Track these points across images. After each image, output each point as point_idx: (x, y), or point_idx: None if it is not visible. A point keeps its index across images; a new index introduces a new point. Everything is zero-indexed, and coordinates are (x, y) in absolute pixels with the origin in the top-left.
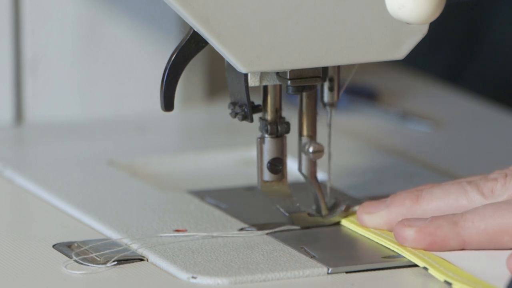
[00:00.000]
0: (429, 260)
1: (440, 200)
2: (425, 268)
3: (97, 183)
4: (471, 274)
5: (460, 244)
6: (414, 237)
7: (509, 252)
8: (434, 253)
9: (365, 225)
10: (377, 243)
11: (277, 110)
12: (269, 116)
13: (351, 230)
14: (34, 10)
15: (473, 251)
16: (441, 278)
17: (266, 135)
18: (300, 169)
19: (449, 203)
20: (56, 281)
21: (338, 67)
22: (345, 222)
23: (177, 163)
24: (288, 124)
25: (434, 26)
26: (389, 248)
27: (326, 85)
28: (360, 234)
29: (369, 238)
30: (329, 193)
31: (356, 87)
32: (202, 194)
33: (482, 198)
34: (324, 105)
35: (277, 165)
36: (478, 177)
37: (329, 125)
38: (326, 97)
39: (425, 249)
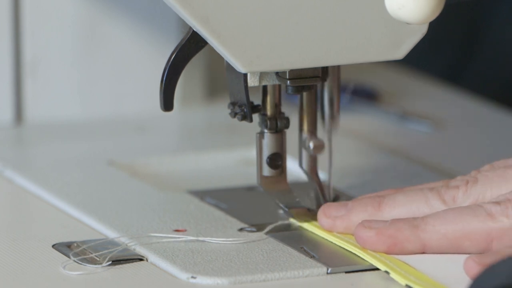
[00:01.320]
0: (390, 264)
1: (402, 207)
2: (387, 272)
3: (97, 183)
4: (432, 278)
5: (420, 247)
6: (374, 239)
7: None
8: (396, 256)
9: (325, 228)
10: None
11: (277, 106)
12: (268, 112)
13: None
14: (34, 10)
15: (434, 255)
16: (403, 282)
17: (266, 130)
18: (300, 165)
19: (411, 210)
20: (55, 281)
21: (338, 68)
22: (307, 226)
23: (177, 163)
24: (287, 119)
25: (434, 26)
26: (351, 252)
27: (326, 99)
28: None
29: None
30: (331, 193)
31: (356, 87)
32: (202, 194)
33: (443, 206)
34: (323, 117)
35: (276, 160)
36: (440, 183)
37: (329, 139)
38: (326, 111)
39: (385, 252)
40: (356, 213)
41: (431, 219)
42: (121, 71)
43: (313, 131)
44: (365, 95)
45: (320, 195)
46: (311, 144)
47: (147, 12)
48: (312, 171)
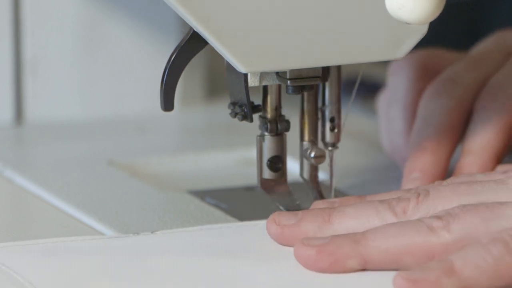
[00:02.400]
0: None
1: (351, 220)
2: None
3: (97, 183)
4: None
5: (361, 263)
6: (315, 258)
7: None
8: None
9: (272, 235)
10: None
11: (277, 108)
12: (268, 114)
13: None
14: (34, 10)
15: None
16: None
17: (266, 133)
18: (301, 174)
19: (361, 222)
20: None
21: (339, 68)
22: None
23: (177, 163)
24: (288, 122)
25: (434, 26)
26: None
27: (327, 125)
28: None
29: None
30: (333, 195)
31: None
32: (202, 194)
33: (393, 218)
34: (325, 145)
35: (277, 163)
36: (394, 195)
37: (330, 165)
38: (328, 137)
39: (327, 270)
40: (305, 224)
41: (371, 234)
42: (121, 71)
43: (314, 141)
44: (371, 89)
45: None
46: (312, 154)
47: (147, 12)
48: (313, 181)
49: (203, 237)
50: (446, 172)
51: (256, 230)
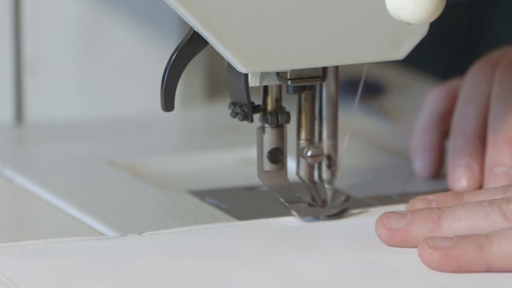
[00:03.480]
0: None
1: (462, 222)
2: None
3: (97, 183)
4: None
5: (485, 268)
6: (439, 262)
7: None
8: None
9: (382, 239)
10: None
11: (277, 100)
12: (269, 106)
13: None
14: (34, 10)
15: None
16: None
17: (266, 125)
18: (298, 173)
19: (471, 225)
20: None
21: (337, 68)
22: None
23: (177, 163)
24: (288, 114)
25: (434, 26)
26: None
27: (324, 163)
28: None
29: None
30: (329, 191)
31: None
32: (202, 194)
33: (504, 221)
34: (322, 181)
35: (277, 155)
36: (499, 193)
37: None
38: (325, 174)
39: (450, 272)
40: (415, 227)
41: (496, 240)
42: (121, 71)
43: (311, 139)
44: (371, 89)
45: (317, 200)
46: (309, 153)
47: (147, 12)
48: (310, 179)
49: (190, 238)
50: None
51: (243, 231)
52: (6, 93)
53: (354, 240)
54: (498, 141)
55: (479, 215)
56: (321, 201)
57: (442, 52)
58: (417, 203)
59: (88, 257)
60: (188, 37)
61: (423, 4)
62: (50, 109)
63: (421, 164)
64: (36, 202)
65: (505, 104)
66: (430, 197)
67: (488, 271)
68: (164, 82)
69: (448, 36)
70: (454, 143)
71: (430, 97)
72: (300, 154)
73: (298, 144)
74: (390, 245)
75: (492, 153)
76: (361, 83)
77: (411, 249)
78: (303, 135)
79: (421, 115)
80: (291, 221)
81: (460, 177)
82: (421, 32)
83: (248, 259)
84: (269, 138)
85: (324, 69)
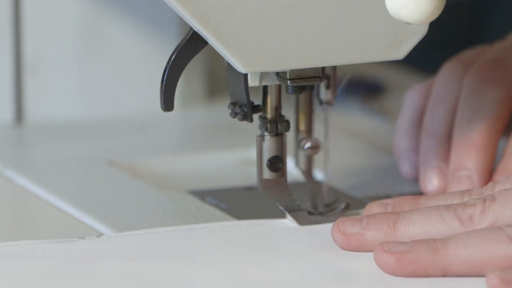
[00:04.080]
0: None
1: (417, 226)
2: None
3: (97, 183)
4: None
5: (441, 272)
6: (395, 266)
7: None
8: None
9: (338, 245)
10: None
11: (277, 108)
12: (268, 115)
13: None
14: (34, 10)
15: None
16: None
17: (266, 133)
18: (297, 164)
19: (427, 229)
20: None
21: (335, 66)
22: None
23: (177, 163)
24: (287, 122)
25: (434, 26)
26: None
27: (322, 83)
28: None
29: None
30: (326, 192)
31: (361, 80)
32: (202, 194)
33: (460, 225)
34: (321, 102)
35: (277, 163)
36: (456, 198)
37: (325, 123)
38: (323, 94)
39: (406, 277)
40: (371, 232)
41: (452, 243)
42: (121, 71)
43: (309, 131)
44: (371, 89)
45: (315, 195)
46: (307, 145)
47: (147, 12)
48: (308, 171)
49: (148, 241)
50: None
51: (202, 234)
52: (6, 93)
53: (314, 245)
54: (463, 146)
55: (435, 219)
56: (317, 194)
57: (442, 52)
58: (374, 207)
59: (43, 261)
60: (188, 37)
61: (423, 4)
62: (50, 109)
63: (408, 166)
64: (36, 202)
65: (472, 109)
66: (387, 201)
67: (444, 276)
68: (164, 82)
69: (448, 36)
70: (425, 144)
71: (409, 96)
72: (298, 145)
73: (296, 136)
74: (346, 250)
75: (456, 157)
76: (344, 81)
77: (369, 253)
78: (301, 127)
79: (402, 115)
80: (273, 223)
81: (431, 179)
82: (421, 32)
83: (205, 263)
84: (268, 146)
85: (323, 69)
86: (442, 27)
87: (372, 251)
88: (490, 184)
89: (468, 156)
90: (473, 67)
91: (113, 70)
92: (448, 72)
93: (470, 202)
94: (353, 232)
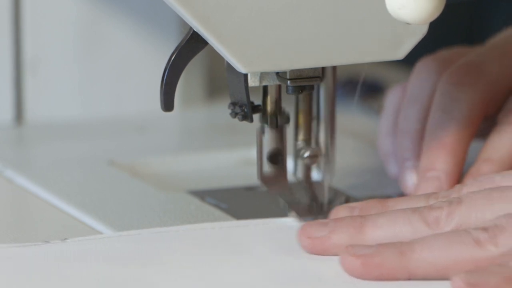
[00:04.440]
0: None
1: (384, 229)
2: None
3: (97, 183)
4: None
5: (407, 275)
6: (361, 270)
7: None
8: None
9: (304, 248)
10: None
11: (277, 101)
12: (268, 107)
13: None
14: (34, 10)
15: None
16: None
17: (266, 126)
18: (295, 173)
19: (394, 232)
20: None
21: (334, 68)
22: None
23: (177, 163)
24: (288, 115)
25: (434, 26)
26: None
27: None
28: None
29: None
30: (327, 192)
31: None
32: (202, 194)
33: (427, 229)
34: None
35: (277, 156)
36: (422, 201)
37: (330, 127)
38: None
39: (373, 280)
40: (337, 235)
41: (418, 246)
42: (121, 71)
43: (308, 140)
44: (372, 89)
45: (314, 203)
46: (306, 154)
47: (147, 12)
48: (307, 180)
49: (114, 244)
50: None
51: (175, 236)
52: (6, 93)
53: (282, 247)
54: (433, 147)
55: (402, 222)
56: (318, 203)
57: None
58: (341, 210)
59: (5, 264)
60: (188, 37)
61: (423, 4)
62: (50, 109)
63: (394, 167)
64: (36, 202)
65: (443, 111)
66: (354, 204)
67: (409, 279)
68: (164, 82)
69: (448, 36)
70: (400, 144)
71: (389, 97)
72: (297, 154)
73: (295, 145)
74: (312, 254)
75: (426, 158)
76: (359, 84)
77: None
78: (300, 136)
79: (383, 117)
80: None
81: (409, 180)
82: (421, 32)
83: (169, 267)
84: (268, 139)
85: (323, 69)
86: (442, 27)
87: (337, 255)
88: (457, 186)
89: (437, 157)
90: (448, 70)
91: (113, 70)
92: (421, 72)
93: (437, 205)
94: (319, 235)
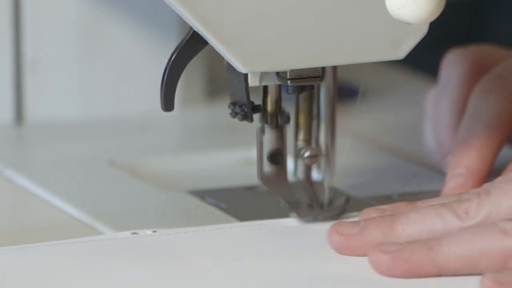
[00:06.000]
0: None
1: (415, 224)
2: None
3: (97, 183)
4: None
5: (436, 270)
6: (389, 264)
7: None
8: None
9: (336, 246)
10: None
11: (277, 101)
12: (268, 107)
13: None
14: (34, 10)
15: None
16: None
17: (266, 126)
18: (295, 173)
19: (425, 227)
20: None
21: (335, 68)
22: None
23: (177, 163)
24: (288, 114)
25: (434, 26)
26: None
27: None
28: None
29: None
30: (327, 192)
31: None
32: (202, 194)
33: (457, 220)
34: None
35: (277, 156)
36: (453, 196)
37: (330, 127)
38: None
39: (401, 277)
40: (369, 232)
41: (445, 240)
42: (121, 71)
43: (308, 140)
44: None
45: (314, 203)
46: (307, 154)
47: (147, 12)
48: (307, 180)
49: (82, 247)
50: (491, 170)
51: (201, 235)
52: (6, 93)
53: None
54: (461, 148)
55: (432, 216)
56: (319, 203)
57: (442, 52)
58: (371, 212)
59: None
60: (188, 37)
61: (423, 4)
62: (50, 109)
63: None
64: (36, 202)
65: (472, 117)
66: (384, 206)
67: (439, 274)
68: (164, 82)
69: (448, 36)
70: (438, 140)
71: (428, 96)
72: (297, 154)
73: (295, 145)
74: (343, 252)
75: (454, 159)
76: (361, 87)
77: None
78: (301, 136)
79: (426, 117)
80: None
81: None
82: (421, 32)
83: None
84: (268, 139)
85: (323, 69)
86: (442, 27)
87: (366, 255)
88: (486, 184)
89: (464, 156)
90: (479, 82)
91: (113, 70)
92: (450, 64)
93: (465, 197)
94: (351, 233)
